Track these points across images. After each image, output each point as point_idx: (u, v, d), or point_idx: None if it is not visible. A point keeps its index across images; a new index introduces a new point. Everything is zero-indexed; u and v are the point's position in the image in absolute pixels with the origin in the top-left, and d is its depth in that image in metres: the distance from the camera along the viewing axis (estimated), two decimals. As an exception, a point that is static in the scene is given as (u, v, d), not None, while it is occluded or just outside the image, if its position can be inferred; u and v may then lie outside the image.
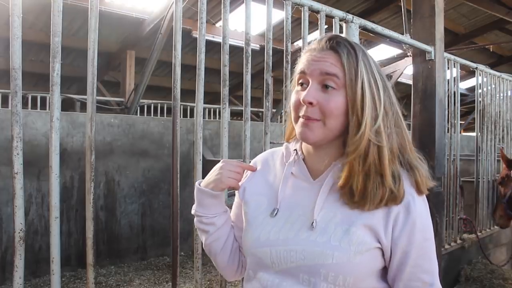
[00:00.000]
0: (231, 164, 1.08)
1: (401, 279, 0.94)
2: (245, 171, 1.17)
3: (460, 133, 5.90)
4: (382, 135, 0.93)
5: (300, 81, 0.98)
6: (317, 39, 1.01)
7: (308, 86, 0.95)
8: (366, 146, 0.92)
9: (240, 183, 1.14)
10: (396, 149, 0.95)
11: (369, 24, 2.54)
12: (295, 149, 1.06)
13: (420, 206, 0.95)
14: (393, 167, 0.93)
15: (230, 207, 1.24)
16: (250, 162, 1.22)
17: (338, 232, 0.92)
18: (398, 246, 0.93)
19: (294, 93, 0.99)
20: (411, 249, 0.93)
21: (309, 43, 1.07)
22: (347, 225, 0.92)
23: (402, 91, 13.09)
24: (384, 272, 0.98)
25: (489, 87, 4.35)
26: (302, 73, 0.97)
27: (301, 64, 0.99)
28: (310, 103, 0.93)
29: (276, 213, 1.00)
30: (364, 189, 0.92)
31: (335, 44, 0.95)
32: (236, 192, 1.16)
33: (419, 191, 0.96)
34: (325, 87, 0.94)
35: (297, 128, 0.97)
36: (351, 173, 0.93)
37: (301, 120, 0.96)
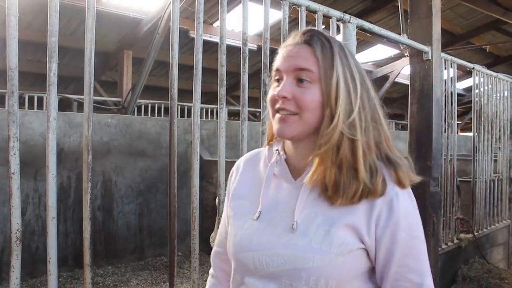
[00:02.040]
0: None
1: (387, 279, 0.91)
2: (231, 173, 1.14)
3: (457, 133, 5.92)
4: (357, 129, 0.91)
5: (276, 77, 0.97)
6: (293, 34, 1.00)
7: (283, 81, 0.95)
8: (338, 139, 0.90)
9: (228, 188, 1.13)
10: (372, 143, 0.93)
11: (366, 24, 2.54)
12: (277, 149, 1.03)
13: (404, 204, 0.91)
14: (369, 161, 0.91)
15: None
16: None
17: (319, 233, 0.90)
18: (382, 245, 0.90)
19: (271, 90, 0.99)
20: (396, 249, 0.90)
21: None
22: (328, 225, 0.90)
23: (399, 91, 13.13)
24: (374, 272, 0.95)
25: (486, 87, 4.36)
26: (277, 70, 0.97)
27: (277, 61, 0.98)
28: (285, 97, 0.92)
29: (259, 216, 0.98)
30: (336, 183, 0.90)
31: (309, 38, 0.94)
32: (226, 197, 1.13)
33: (400, 185, 0.92)
34: (300, 81, 0.93)
35: (274, 124, 0.96)
36: (323, 166, 0.91)
37: (277, 115, 0.95)
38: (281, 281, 0.91)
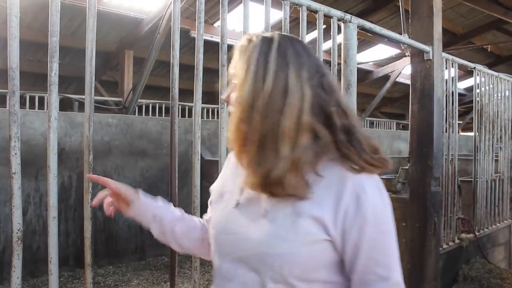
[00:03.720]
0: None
1: (355, 272, 0.93)
2: (227, 159, 1.21)
3: (458, 133, 5.91)
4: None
5: None
6: None
7: None
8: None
9: (214, 184, 1.20)
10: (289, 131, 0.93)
11: (367, 24, 2.54)
12: None
13: (373, 198, 0.92)
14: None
15: None
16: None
17: (286, 222, 0.92)
18: (349, 239, 0.91)
19: None
20: (363, 243, 0.91)
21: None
22: (295, 216, 0.92)
23: (400, 91, 13.12)
24: (343, 265, 0.96)
25: (487, 87, 4.35)
26: None
27: None
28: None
29: (237, 205, 1.04)
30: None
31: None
32: (211, 190, 1.21)
33: (353, 170, 0.92)
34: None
35: None
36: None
37: None
38: (249, 264, 0.96)
